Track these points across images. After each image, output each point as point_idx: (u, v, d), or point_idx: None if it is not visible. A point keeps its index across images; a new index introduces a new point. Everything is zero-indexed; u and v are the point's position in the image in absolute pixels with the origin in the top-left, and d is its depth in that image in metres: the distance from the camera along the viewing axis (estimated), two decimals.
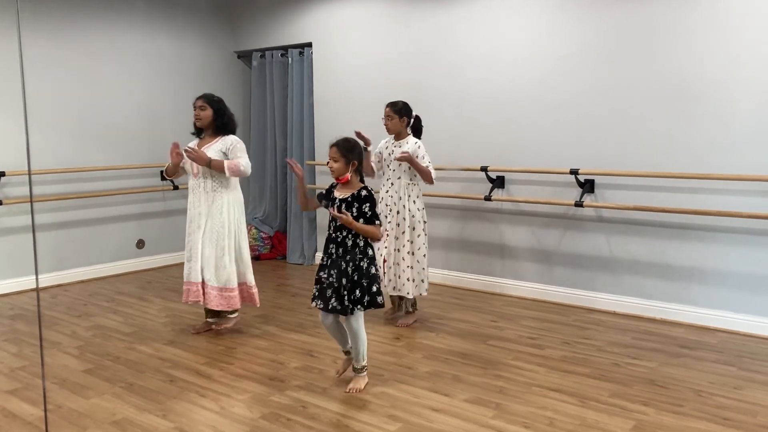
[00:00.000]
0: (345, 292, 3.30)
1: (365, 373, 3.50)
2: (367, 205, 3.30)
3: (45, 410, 3.14)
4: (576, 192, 4.89)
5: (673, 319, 4.57)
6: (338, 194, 3.38)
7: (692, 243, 4.49)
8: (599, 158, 4.79)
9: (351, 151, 3.34)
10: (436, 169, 5.49)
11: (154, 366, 3.82)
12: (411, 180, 4.49)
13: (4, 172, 5.29)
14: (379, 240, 3.42)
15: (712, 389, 3.42)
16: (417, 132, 4.59)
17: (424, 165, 4.40)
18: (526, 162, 5.12)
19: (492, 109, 5.29)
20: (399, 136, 4.51)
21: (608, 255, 4.85)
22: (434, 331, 4.41)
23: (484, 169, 5.24)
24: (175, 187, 6.51)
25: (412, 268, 4.48)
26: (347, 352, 3.55)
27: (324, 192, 3.49)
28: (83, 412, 3.20)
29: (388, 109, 4.48)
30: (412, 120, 4.56)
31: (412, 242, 4.48)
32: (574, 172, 4.80)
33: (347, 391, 3.41)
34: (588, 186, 4.83)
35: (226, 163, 4.14)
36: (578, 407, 3.21)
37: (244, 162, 4.22)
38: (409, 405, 3.25)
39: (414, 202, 4.49)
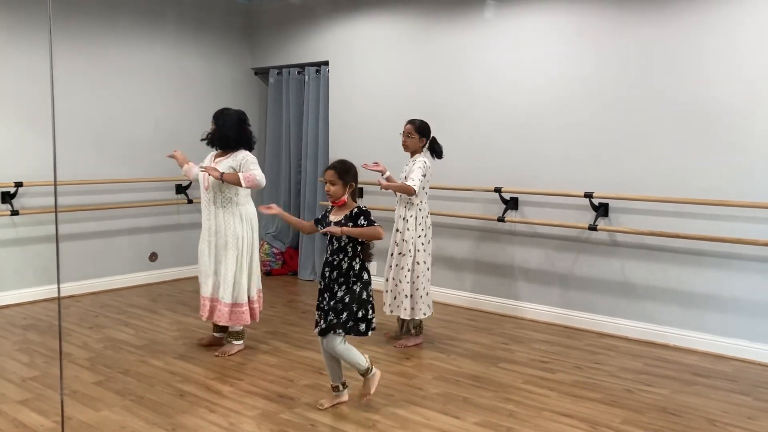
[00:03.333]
0: (332, 315, 3.29)
1: (373, 372, 3.41)
2: (362, 217, 3.29)
3: (62, 423, 3.15)
4: (590, 215, 4.87)
5: (687, 346, 4.52)
6: (333, 218, 3.37)
7: (707, 270, 4.45)
8: (614, 182, 4.78)
9: (347, 173, 3.33)
10: (449, 189, 5.48)
11: (165, 380, 3.82)
12: (408, 201, 4.44)
13: (22, 182, 5.36)
14: (381, 238, 3.32)
15: (726, 419, 3.38)
16: (437, 154, 4.54)
17: (405, 182, 4.33)
18: (541, 184, 5.11)
19: (507, 131, 5.29)
20: (413, 155, 4.52)
21: (622, 279, 4.82)
22: (445, 353, 4.38)
23: (498, 190, 5.24)
24: (189, 201, 6.55)
25: (409, 291, 4.41)
26: (335, 387, 3.49)
27: (320, 217, 3.49)
28: (93, 425, 3.20)
29: (409, 126, 4.46)
30: (429, 141, 4.53)
31: (409, 265, 4.41)
32: (588, 195, 4.79)
33: (363, 399, 3.40)
34: (602, 210, 4.81)
35: (241, 175, 4.11)
36: None
37: (258, 173, 4.17)
38: (418, 426, 3.23)
39: (407, 220, 4.42)
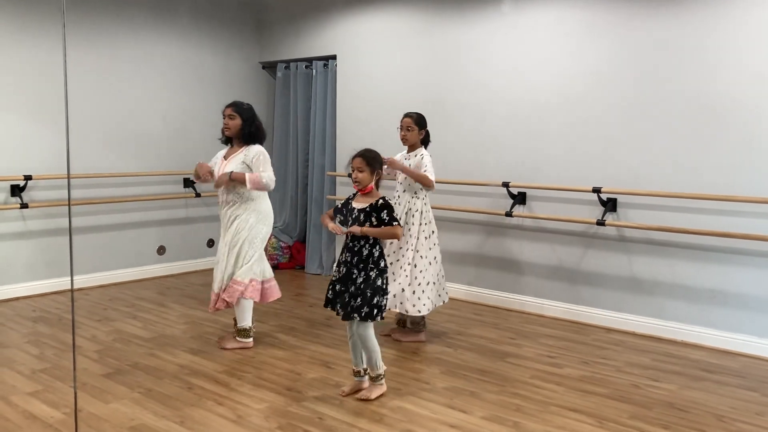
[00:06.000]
0: (349, 299, 3.34)
1: (382, 381, 3.51)
2: (385, 212, 3.35)
3: (75, 416, 3.17)
4: (598, 210, 4.86)
5: (695, 342, 4.51)
6: (357, 204, 3.41)
7: (715, 265, 4.44)
8: (622, 177, 4.76)
9: (375, 160, 3.41)
10: (456, 184, 5.48)
11: (173, 373, 3.85)
12: (414, 195, 4.41)
13: (31, 175, 5.38)
14: (399, 238, 3.47)
15: (734, 414, 3.37)
16: (425, 146, 4.51)
17: (422, 171, 4.28)
18: (549, 179, 5.10)
19: (515, 125, 5.28)
20: (412, 148, 4.47)
21: (629, 275, 4.81)
22: (452, 347, 4.39)
23: (505, 184, 5.23)
24: (197, 195, 6.57)
25: (409, 284, 4.33)
26: (357, 373, 3.53)
27: (340, 205, 3.51)
28: (102, 417, 3.23)
29: (408, 120, 4.41)
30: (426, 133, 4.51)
31: (409, 259, 4.35)
32: (596, 190, 4.77)
33: (358, 398, 3.44)
34: (610, 205, 4.80)
35: (247, 175, 4.06)
36: (597, 428, 3.18)
37: (266, 175, 4.12)
38: (425, 420, 3.24)
39: (414, 216, 4.38)
